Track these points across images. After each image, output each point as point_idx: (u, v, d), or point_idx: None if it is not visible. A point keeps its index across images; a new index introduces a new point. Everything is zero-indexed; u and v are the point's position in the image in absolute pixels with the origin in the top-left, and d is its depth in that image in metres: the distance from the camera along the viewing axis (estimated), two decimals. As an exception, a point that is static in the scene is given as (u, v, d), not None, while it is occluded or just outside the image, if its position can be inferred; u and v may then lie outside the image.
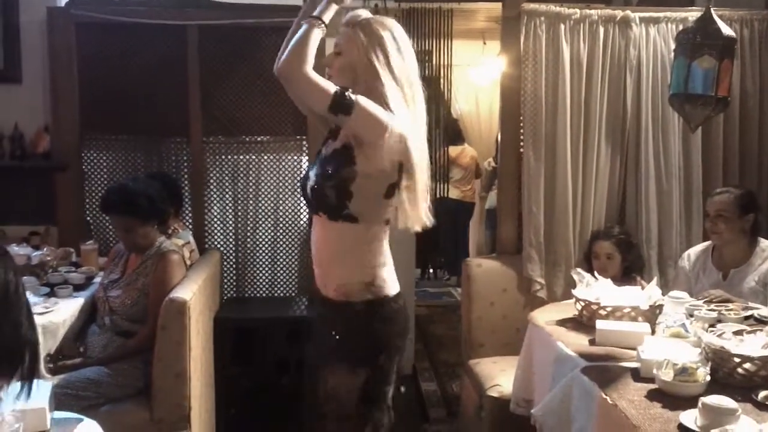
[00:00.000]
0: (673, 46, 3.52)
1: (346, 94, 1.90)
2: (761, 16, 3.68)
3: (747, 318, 2.62)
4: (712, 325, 2.44)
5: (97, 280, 3.25)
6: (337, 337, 2.05)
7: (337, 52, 2.02)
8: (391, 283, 2.05)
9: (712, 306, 2.69)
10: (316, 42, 1.92)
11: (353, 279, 2.01)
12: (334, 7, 1.98)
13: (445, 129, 6.85)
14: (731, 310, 2.66)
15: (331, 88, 1.90)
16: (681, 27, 3.54)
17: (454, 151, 6.93)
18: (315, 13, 1.95)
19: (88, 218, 3.94)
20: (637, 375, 2.13)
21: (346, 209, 1.97)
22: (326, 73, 2.03)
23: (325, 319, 2.10)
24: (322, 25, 1.94)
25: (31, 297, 2.80)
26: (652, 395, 1.98)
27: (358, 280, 2.01)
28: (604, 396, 2.00)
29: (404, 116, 1.97)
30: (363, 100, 1.91)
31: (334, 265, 2.04)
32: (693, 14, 3.58)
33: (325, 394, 2.05)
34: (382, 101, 1.95)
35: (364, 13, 2.04)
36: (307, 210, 3.47)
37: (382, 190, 1.99)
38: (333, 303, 2.05)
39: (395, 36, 2.00)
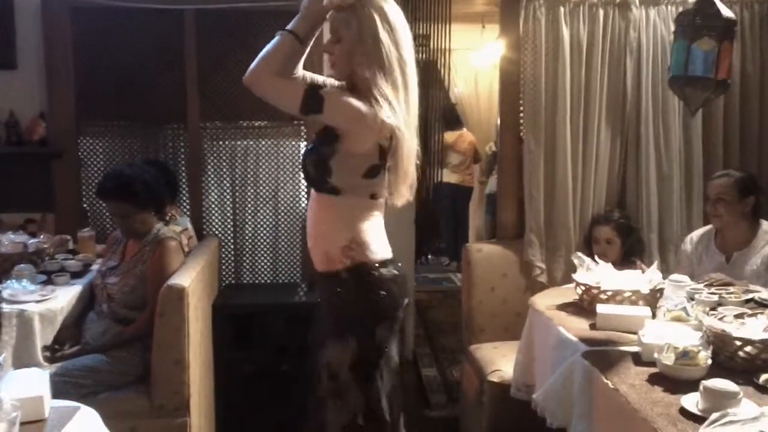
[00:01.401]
0: (673, 28, 3.51)
1: (317, 92, 1.93)
2: (762, -2, 3.66)
3: (748, 301, 2.62)
4: (713, 309, 2.43)
5: (95, 267, 3.24)
6: (327, 308, 2.09)
7: (337, 39, 2.00)
8: (374, 249, 2.04)
9: (713, 289, 2.68)
10: (285, 52, 1.96)
11: (333, 245, 2.03)
12: (308, 21, 1.98)
13: (442, 114, 6.83)
14: (732, 293, 2.66)
15: (300, 89, 1.93)
16: (681, 9, 3.51)
17: (451, 136, 6.91)
18: (288, 27, 1.97)
19: (85, 205, 3.92)
20: (638, 359, 2.13)
21: (327, 183, 2.01)
22: (327, 60, 2.04)
23: (320, 295, 2.17)
24: (294, 38, 1.96)
25: (28, 285, 2.81)
26: (653, 379, 1.98)
27: (336, 245, 2.02)
28: (605, 380, 1.99)
29: (392, 103, 1.95)
30: (334, 95, 1.96)
31: (318, 234, 2.07)
32: (693, -4, 3.57)
33: (322, 369, 2.06)
34: (369, 89, 1.95)
35: None
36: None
37: (361, 170, 2.01)
38: (321, 275, 2.09)
39: (389, 19, 1.98)
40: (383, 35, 1.95)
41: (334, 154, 1.99)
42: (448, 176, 6.83)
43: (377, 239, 2.06)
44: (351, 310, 2.04)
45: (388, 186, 2.09)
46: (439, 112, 5.59)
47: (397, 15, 2.01)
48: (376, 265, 2.03)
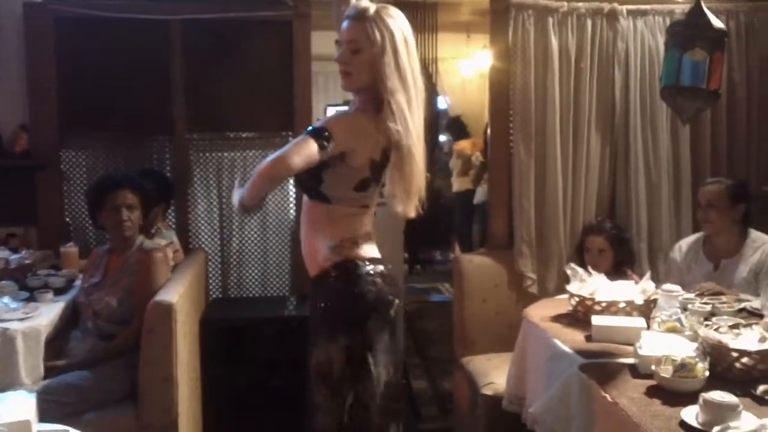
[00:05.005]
0: (660, 38, 3.54)
1: (317, 128, 1.94)
2: (747, 8, 3.70)
3: (740, 311, 2.62)
4: (706, 319, 2.43)
5: (78, 282, 3.18)
6: (317, 311, 2.10)
7: (355, 50, 2.01)
8: (362, 247, 2.08)
9: (705, 299, 2.68)
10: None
11: (322, 244, 2.08)
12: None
13: (449, 126, 6.88)
14: (724, 303, 2.66)
15: (304, 137, 1.91)
16: (668, 19, 3.56)
17: (466, 144, 6.98)
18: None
19: (67, 219, 3.84)
20: (635, 371, 2.12)
21: (318, 191, 2.05)
22: (341, 70, 2.04)
23: (311, 302, 2.16)
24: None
25: (10, 302, 2.75)
26: (651, 392, 1.97)
27: (325, 245, 2.07)
28: (604, 394, 1.98)
29: (405, 115, 2.01)
30: (329, 120, 2.02)
31: (309, 235, 2.12)
32: (679, 7, 3.59)
33: (313, 375, 2.07)
34: (387, 100, 2.00)
35: (364, 5, 2.03)
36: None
37: (352, 183, 2.05)
38: (314, 281, 2.12)
39: (404, 33, 2.04)
40: (402, 48, 2.01)
41: (327, 167, 2.01)
42: (469, 184, 6.86)
43: (366, 240, 2.11)
44: (340, 307, 2.06)
45: (394, 196, 2.11)
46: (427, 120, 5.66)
47: (408, 28, 2.07)
48: (365, 261, 2.07)
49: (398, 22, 2.03)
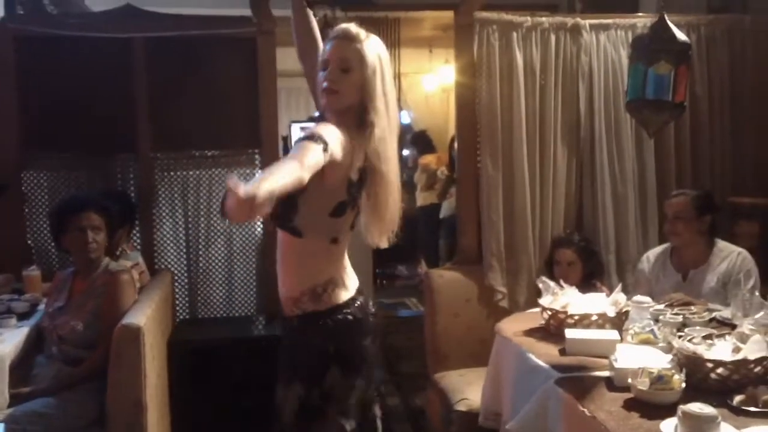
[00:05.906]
0: (623, 51, 3.59)
1: (310, 132, 1.87)
2: (707, 21, 3.77)
3: (710, 321, 2.65)
4: (679, 330, 2.45)
5: (42, 307, 3.09)
6: (281, 348, 2.10)
7: (345, 69, 1.97)
8: (325, 299, 2.02)
9: (676, 310, 2.71)
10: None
11: (290, 292, 2.04)
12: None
13: (414, 141, 6.92)
14: (695, 313, 2.69)
15: (301, 142, 1.82)
16: (630, 33, 3.61)
17: (432, 159, 7.00)
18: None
19: (30, 242, 3.74)
20: (611, 384, 2.12)
21: (291, 222, 1.97)
22: (326, 89, 1.98)
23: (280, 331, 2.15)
24: None
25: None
26: (628, 405, 1.97)
27: (291, 295, 2.03)
28: (582, 408, 1.97)
29: (384, 138, 2.00)
30: (318, 127, 1.92)
31: (281, 276, 2.07)
32: (641, 20, 3.65)
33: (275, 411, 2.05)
34: (369, 122, 1.97)
35: (355, 29, 2.01)
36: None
37: (329, 208, 1.98)
38: (285, 318, 2.08)
39: (387, 58, 2.05)
40: (387, 74, 2.02)
41: (303, 191, 1.88)
42: (434, 198, 6.89)
43: (332, 288, 2.04)
44: (299, 356, 2.04)
45: (367, 227, 2.08)
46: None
47: (388, 56, 2.07)
48: (326, 313, 2.02)
49: (382, 48, 2.04)
